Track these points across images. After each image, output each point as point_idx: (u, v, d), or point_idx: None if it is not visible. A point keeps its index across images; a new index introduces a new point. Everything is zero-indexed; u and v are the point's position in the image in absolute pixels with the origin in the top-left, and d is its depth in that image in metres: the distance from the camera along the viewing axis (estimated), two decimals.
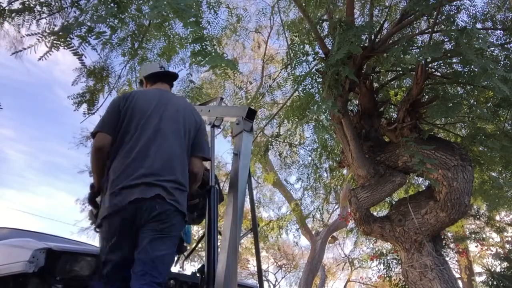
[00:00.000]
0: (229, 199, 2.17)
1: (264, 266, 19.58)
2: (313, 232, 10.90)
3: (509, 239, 9.16)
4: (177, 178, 1.97)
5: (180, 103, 2.24)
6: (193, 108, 2.34)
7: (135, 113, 2.05)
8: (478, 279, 9.84)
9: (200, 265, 2.17)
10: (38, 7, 3.28)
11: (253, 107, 2.73)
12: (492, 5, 4.40)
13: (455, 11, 3.89)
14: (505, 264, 7.83)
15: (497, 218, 8.87)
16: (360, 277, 16.08)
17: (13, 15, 3.20)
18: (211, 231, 2.14)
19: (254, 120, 2.41)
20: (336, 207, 10.43)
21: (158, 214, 1.84)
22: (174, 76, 2.43)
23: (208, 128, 2.56)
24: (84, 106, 4.38)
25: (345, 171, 6.72)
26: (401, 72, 4.67)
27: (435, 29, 3.62)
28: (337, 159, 5.28)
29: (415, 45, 4.25)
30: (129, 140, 1.97)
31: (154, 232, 1.83)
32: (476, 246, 9.82)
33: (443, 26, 3.69)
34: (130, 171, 1.87)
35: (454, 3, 3.87)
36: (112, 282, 1.81)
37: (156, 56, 4.18)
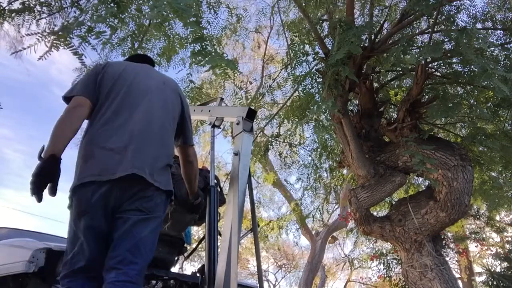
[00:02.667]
0: (229, 199, 2.17)
1: (264, 266, 19.58)
2: (313, 232, 10.90)
3: (509, 239, 9.16)
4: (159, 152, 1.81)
5: (166, 78, 2.11)
6: (178, 87, 2.18)
7: (117, 81, 1.86)
8: (478, 279, 9.84)
9: (200, 265, 2.17)
10: (38, 7, 3.28)
11: (253, 107, 2.73)
12: (492, 5, 4.40)
13: (455, 11, 3.90)
14: (505, 264, 7.83)
15: (497, 218, 8.87)
16: (360, 277, 16.07)
17: (13, 15, 3.20)
18: (211, 232, 2.14)
19: (254, 120, 2.41)
20: (336, 207, 10.43)
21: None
22: (149, 59, 2.23)
23: (208, 128, 2.55)
24: None
25: (345, 171, 6.72)
26: (401, 72, 4.67)
27: (435, 29, 3.62)
28: (337, 159, 5.28)
29: (415, 45, 4.25)
30: (109, 110, 1.78)
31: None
32: (476, 246, 9.82)
33: (443, 26, 3.69)
34: (111, 143, 1.70)
35: (454, 3, 3.87)
36: None
37: (156, 56, 4.19)
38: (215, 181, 2.40)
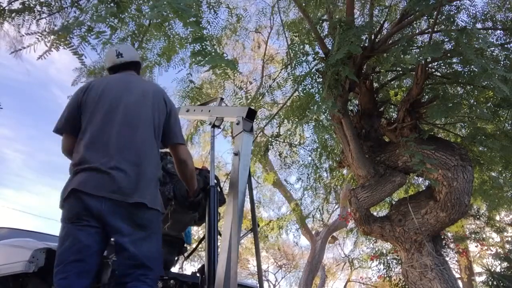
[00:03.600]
0: (229, 199, 2.17)
1: (264, 266, 19.58)
2: (313, 232, 10.90)
3: (509, 239, 9.15)
4: (142, 167, 1.85)
5: (145, 86, 2.12)
6: (160, 90, 2.18)
7: (96, 104, 1.93)
8: (478, 279, 9.83)
9: (200, 265, 2.17)
10: (38, 7, 3.28)
11: (253, 107, 2.73)
12: (492, 5, 4.40)
13: (455, 11, 3.89)
14: (505, 264, 7.82)
15: (497, 218, 8.87)
16: (360, 277, 16.07)
17: (13, 15, 3.20)
18: (211, 231, 2.14)
19: (254, 120, 2.41)
20: (336, 207, 10.43)
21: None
22: (136, 63, 2.24)
23: (208, 128, 2.55)
24: None
25: (345, 171, 6.72)
26: (401, 72, 4.67)
27: (435, 29, 3.61)
28: (337, 159, 5.28)
29: (415, 45, 4.25)
30: (90, 132, 1.87)
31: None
32: (476, 246, 9.82)
33: (443, 26, 3.69)
34: (91, 162, 1.78)
35: (454, 3, 3.87)
36: None
37: (156, 56, 4.18)
38: (215, 181, 2.40)
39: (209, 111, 2.72)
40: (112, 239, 1.78)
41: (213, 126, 2.58)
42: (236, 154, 2.23)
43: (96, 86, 2.00)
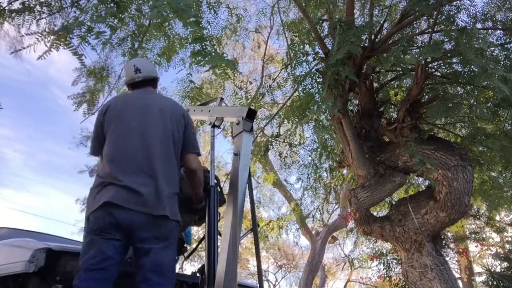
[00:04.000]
0: (229, 199, 2.17)
1: (264, 266, 19.58)
2: (313, 232, 10.90)
3: (509, 239, 9.15)
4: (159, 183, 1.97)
5: (163, 102, 2.21)
6: (178, 105, 2.31)
7: (116, 122, 2.06)
8: (478, 279, 9.83)
9: (200, 265, 2.17)
10: (38, 7, 3.28)
11: (253, 107, 2.73)
12: (492, 5, 4.40)
13: (455, 11, 3.89)
14: (505, 264, 7.82)
15: (497, 218, 8.87)
16: (360, 277, 16.07)
17: (13, 15, 3.20)
18: (211, 232, 2.14)
19: (254, 120, 2.41)
20: (336, 207, 10.43)
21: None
22: (153, 79, 2.35)
23: (208, 128, 2.55)
24: (84, 106, 4.38)
25: (345, 171, 6.72)
26: (401, 72, 4.67)
27: (435, 29, 3.61)
28: (337, 159, 5.28)
29: (415, 45, 4.25)
30: (112, 149, 2.01)
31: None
32: (476, 246, 9.81)
33: (443, 26, 3.68)
34: (120, 180, 1.90)
35: (454, 3, 3.87)
36: None
37: (156, 56, 4.18)
38: (215, 181, 2.40)
39: (209, 111, 2.72)
40: (135, 245, 1.88)
41: (213, 126, 2.58)
42: (236, 154, 2.23)
43: (113, 105, 2.13)
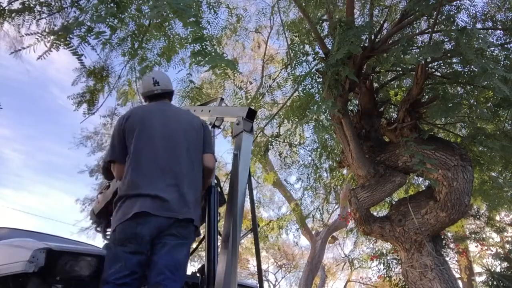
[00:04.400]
0: (229, 199, 2.17)
1: (264, 266, 19.58)
2: (313, 232, 10.90)
3: (509, 239, 9.15)
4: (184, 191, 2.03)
5: (181, 113, 2.32)
6: (195, 115, 2.42)
7: (139, 132, 2.10)
8: (478, 279, 9.83)
9: (200, 265, 2.17)
10: (38, 7, 3.28)
11: (253, 107, 2.73)
12: (492, 5, 4.40)
13: (455, 11, 3.90)
14: (505, 264, 7.83)
15: (497, 218, 8.86)
16: (360, 277, 16.08)
17: (13, 15, 3.20)
18: (211, 232, 2.14)
19: (254, 120, 2.41)
20: (336, 207, 10.43)
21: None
22: (170, 92, 2.45)
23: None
24: (84, 106, 4.38)
25: (345, 171, 6.72)
26: (401, 72, 4.67)
27: (435, 29, 3.61)
28: (337, 159, 5.28)
29: (415, 45, 4.25)
30: (136, 159, 2.04)
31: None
32: (476, 246, 9.82)
33: (443, 26, 3.68)
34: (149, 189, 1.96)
35: (454, 3, 3.87)
36: None
37: (156, 56, 4.18)
38: (215, 181, 2.41)
39: (209, 111, 2.72)
40: (154, 242, 1.94)
41: (213, 126, 2.59)
42: (236, 154, 2.23)
43: (135, 114, 2.18)
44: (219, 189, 2.43)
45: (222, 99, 2.93)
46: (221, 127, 2.78)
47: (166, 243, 1.92)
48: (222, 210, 2.42)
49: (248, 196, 2.34)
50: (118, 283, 1.80)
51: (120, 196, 2.00)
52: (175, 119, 2.23)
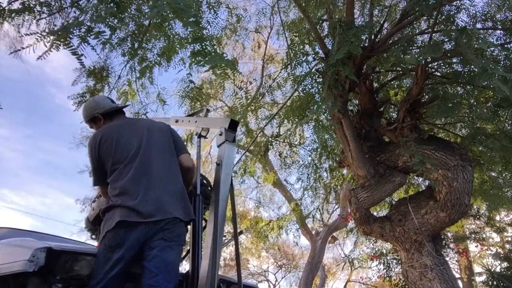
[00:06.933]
0: (211, 207, 2.22)
1: (264, 266, 19.61)
2: (313, 232, 10.90)
3: (509, 239, 9.15)
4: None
5: (147, 122, 2.50)
6: (159, 122, 2.57)
7: (114, 150, 2.17)
8: (478, 279, 9.83)
9: (185, 271, 2.20)
10: (38, 7, 3.28)
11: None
12: (492, 5, 4.40)
13: (455, 11, 3.90)
14: (505, 264, 7.83)
15: (497, 218, 8.86)
16: (360, 277, 16.09)
17: (13, 15, 3.20)
18: (195, 239, 2.18)
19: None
20: (336, 207, 10.44)
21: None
22: (123, 107, 2.61)
23: (195, 138, 2.62)
24: None
25: (345, 171, 6.72)
26: (401, 72, 4.67)
27: (435, 29, 3.62)
28: (337, 159, 5.28)
29: (415, 45, 4.25)
30: (120, 177, 2.10)
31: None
32: (476, 246, 9.83)
33: (443, 26, 3.69)
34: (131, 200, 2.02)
35: (454, 3, 3.87)
36: None
37: (156, 56, 4.18)
38: (205, 182, 2.49)
39: (196, 121, 2.77)
40: (148, 246, 1.99)
41: (199, 136, 2.62)
42: (218, 164, 2.27)
43: (106, 135, 2.24)
44: (209, 189, 2.47)
45: (208, 110, 2.98)
46: (207, 137, 2.81)
47: (155, 247, 1.96)
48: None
49: (230, 205, 2.37)
50: (107, 280, 1.89)
51: (106, 207, 2.06)
52: (145, 128, 2.32)
